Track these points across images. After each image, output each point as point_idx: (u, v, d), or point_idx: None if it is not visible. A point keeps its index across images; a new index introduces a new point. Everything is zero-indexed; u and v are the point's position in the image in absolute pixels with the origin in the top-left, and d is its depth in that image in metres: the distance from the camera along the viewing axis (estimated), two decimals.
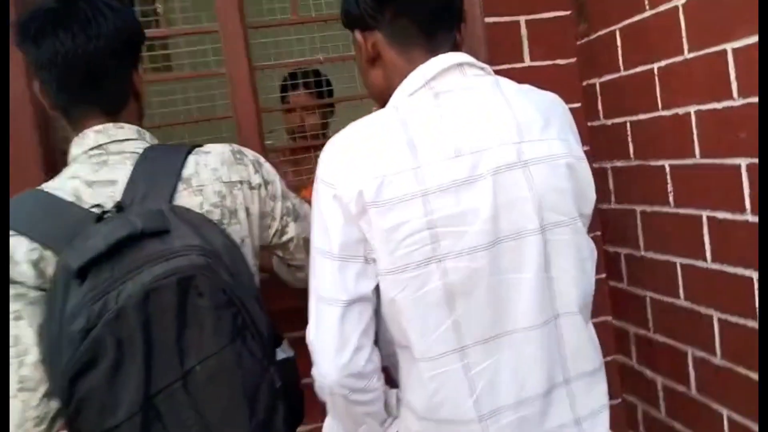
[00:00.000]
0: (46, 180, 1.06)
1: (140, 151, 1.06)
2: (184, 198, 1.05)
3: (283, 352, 1.08)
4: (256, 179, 1.14)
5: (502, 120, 1.01)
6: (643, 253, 1.61)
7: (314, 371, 1.02)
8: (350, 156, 0.98)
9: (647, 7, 1.44)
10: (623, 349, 1.77)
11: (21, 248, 0.96)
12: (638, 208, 1.60)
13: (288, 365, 1.07)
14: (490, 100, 1.02)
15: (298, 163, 1.78)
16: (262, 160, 1.19)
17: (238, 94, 1.56)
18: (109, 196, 1.01)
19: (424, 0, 1.05)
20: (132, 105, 1.12)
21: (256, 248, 1.14)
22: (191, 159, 1.08)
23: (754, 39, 1.16)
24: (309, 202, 1.34)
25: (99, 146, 1.05)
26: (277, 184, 1.18)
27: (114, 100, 1.09)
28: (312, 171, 1.83)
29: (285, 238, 1.20)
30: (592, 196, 1.10)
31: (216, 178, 1.08)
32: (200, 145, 1.13)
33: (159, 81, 1.55)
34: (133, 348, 0.90)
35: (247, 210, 1.11)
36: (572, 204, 1.03)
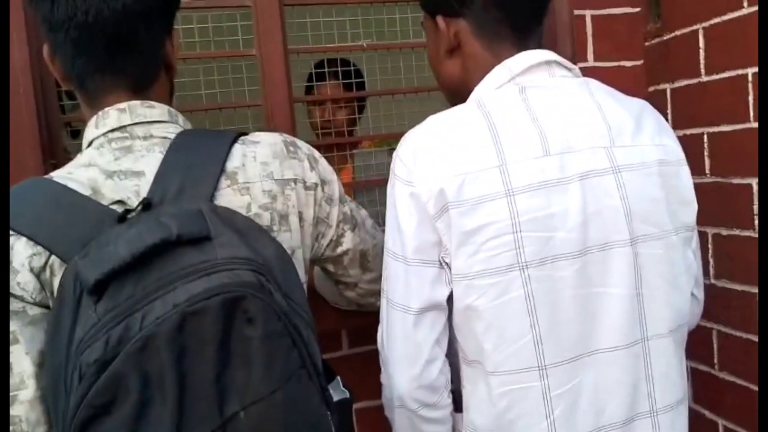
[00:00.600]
0: (46, 169, 0.85)
1: (172, 136, 0.87)
2: (228, 197, 0.86)
3: (337, 392, 0.88)
4: (312, 177, 0.95)
5: (592, 122, 0.94)
6: (712, 281, 1.44)
7: (384, 380, 0.98)
8: (430, 151, 0.91)
9: (745, 3, 1.27)
10: None
11: (21, 252, 0.77)
12: (711, 231, 1.43)
13: (344, 409, 0.88)
14: (579, 100, 0.95)
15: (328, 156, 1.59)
16: (317, 154, 1.00)
17: (269, 80, 1.37)
18: (133, 191, 0.82)
19: None
20: (163, 80, 0.92)
21: (307, 261, 0.96)
22: (237, 149, 0.89)
23: None
24: None
25: (122, 128, 0.86)
26: (335, 185, 1.00)
27: (143, 72, 0.89)
28: (338, 171, 1.66)
29: (339, 250, 1.01)
30: (694, 203, 1.00)
31: (266, 175, 0.89)
32: (246, 133, 0.93)
33: (179, 59, 1.35)
34: (162, 388, 0.69)
35: (300, 214, 0.93)
36: (666, 215, 0.95)
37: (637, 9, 1.55)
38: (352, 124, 1.92)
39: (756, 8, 1.24)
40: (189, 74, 1.35)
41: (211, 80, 1.41)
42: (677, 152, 0.98)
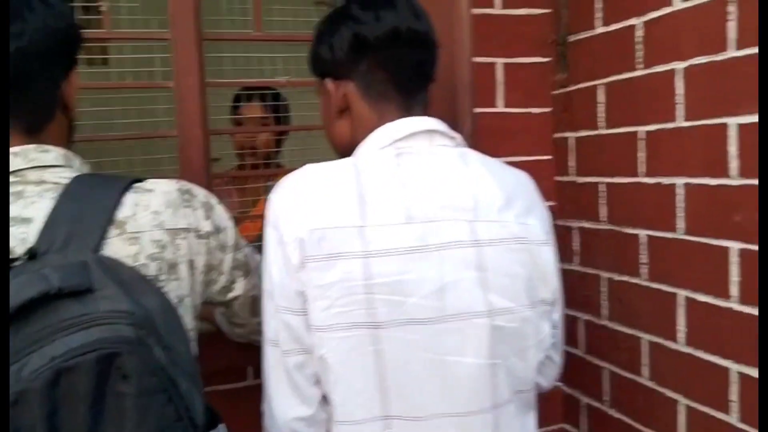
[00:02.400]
0: None
1: (66, 181, 0.86)
2: (116, 246, 0.85)
3: None
4: (205, 226, 0.96)
5: (460, 194, 0.97)
6: (605, 321, 1.52)
7: (264, 409, 0.99)
8: (298, 200, 0.94)
9: (640, 66, 1.36)
10: (571, 418, 1.67)
11: None
12: (604, 274, 1.52)
13: None
14: (452, 171, 0.99)
15: (245, 188, 1.61)
16: (214, 201, 1.01)
17: (184, 111, 1.38)
18: (20, 239, 0.81)
19: (405, 54, 1.01)
20: (59, 121, 0.92)
21: (197, 307, 0.96)
22: (129, 197, 0.89)
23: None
24: (250, 239, 1.18)
25: (15, 172, 0.85)
26: (230, 232, 1.01)
27: (37, 115, 0.89)
28: (259, 194, 1.68)
29: (230, 295, 1.03)
30: (554, 282, 1.04)
31: (157, 224, 0.89)
32: (140, 180, 0.93)
33: (95, 89, 1.35)
34: None
35: (191, 263, 0.93)
36: (523, 291, 0.98)
37: (547, 59, 1.62)
38: (277, 146, 1.94)
39: (650, 70, 1.33)
40: (105, 103, 1.35)
41: (128, 110, 1.41)
42: (540, 233, 1.01)
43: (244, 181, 1.50)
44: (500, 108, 1.60)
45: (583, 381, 1.61)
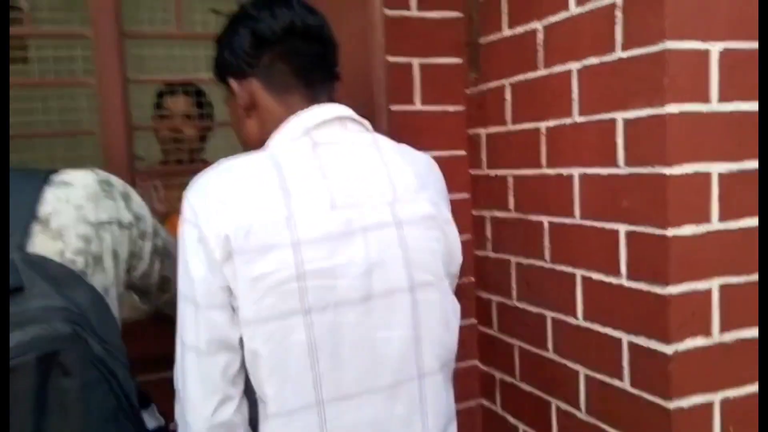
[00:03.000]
0: None
1: None
2: (41, 243, 0.85)
3: (152, 419, 0.94)
4: (126, 216, 0.99)
5: (378, 178, 1.02)
6: (515, 302, 1.64)
7: (178, 418, 0.98)
8: (219, 197, 0.94)
9: (541, 67, 1.48)
10: (488, 394, 1.79)
11: None
12: (514, 259, 1.63)
13: None
14: (368, 157, 1.03)
15: (170, 181, 1.64)
16: (130, 190, 1.04)
17: (106, 108, 1.40)
18: None
19: (302, 46, 1.05)
20: None
21: (120, 295, 0.99)
22: (49, 192, 0.89)
23: (646, 112, 1.21)
24: (174, 234, 1.22)
25: None
26: (148, 220, 1.04)
27: None
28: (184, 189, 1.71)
29: (150, 281, 1.06)
30: (459, 257, 1.12)
31: (80, 218, 0.90)
32: (55, 171, 0.93)
33: (16, 86, 1.35)
34: None
35: (115, 254, 0.95)
36: (441, 265, 1.05)
37: (460, 60, 1.73)
38: (202, 141, 1.96)
39: (550, 70, 1.45)
40: (26, 99, 1.36)
41: (50, 107, 1.42)
42: (447, 213, 1.09)
43: (171, 175, 1.53)
44: (418, 106, 1.69)
45: (497, 358, 1.73)
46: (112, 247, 0.95)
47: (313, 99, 1.05)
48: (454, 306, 1.10)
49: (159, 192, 1.52)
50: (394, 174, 1.03)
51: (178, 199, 1.63)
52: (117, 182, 1.02)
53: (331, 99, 1.08)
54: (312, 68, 1.07)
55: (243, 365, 0.96)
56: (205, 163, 1.86)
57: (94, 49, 1.39)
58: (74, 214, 0.90)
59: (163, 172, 1.48)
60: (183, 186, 1.61)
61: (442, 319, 1.06)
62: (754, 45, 1.23)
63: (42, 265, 0.82)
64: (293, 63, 1.05)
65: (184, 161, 1.65)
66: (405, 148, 1.11)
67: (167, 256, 1.10)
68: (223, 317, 0.93)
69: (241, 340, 0.94)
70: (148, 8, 1.51)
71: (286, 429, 0.95)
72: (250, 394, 0.99)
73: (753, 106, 1.24)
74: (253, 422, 1.00)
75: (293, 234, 0.92)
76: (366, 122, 1.08)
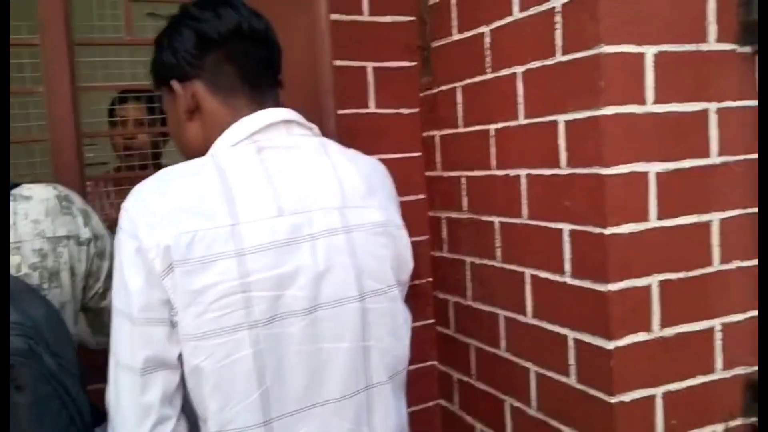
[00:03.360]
0: None
1: None
2: None
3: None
4: (85, 233, 0.99)
5: (326, 183, 0.99)
6: (470, 302, 1.67)
7: None
8: (159, 205, 0.89)
9: (488, 70, 1.50)
10: (446, 394, 1.81)
11: None
12: (468, 259, 1.66)
13: None
14: (315, 161, 1.00)
15: (123, 191, 1.64)
16: (90, 209, 1.03)
17: (56, 116, 1.41)
18: None
19: (249, 48, 1.02)
20: None
21: (76, 312, 0.99)
22: (8, 207, 0.90)
23: (584, 114, 1.24)
24: None
25: None
26: (107, 240, 1.04)
27: None
28: None
29: (104, 303, 1.05)
30: (410, 264, 1.10)
31: (37, 233, 0.91)
32: (17, 185, 0.94)
33: None
34: None
35: (71, 270, 0.96)
36: (390, 272, 1.03)
37: (413, 63, 1.75)
38: (156, 148, 1.97)
39: (497, 74, 1.48)
40: None
41: None
42: (397, 218, 1.07)
43: (123, 183, 1.54)
44: (372, 109, 1.71)
45: (455, 358, 1.75)
46: (69, 263, 0.95)
47: (259, 103, 1.01)
48: (404, 314, 1.08)
49: (111, 198, 1.52)
50: (342, 179, 1.00)
51: None
52: (77, 199, 1.01)
53: (277, 102, 1.05)
54: (258, 72, 1.03)
55: (181, 383, 0.92)
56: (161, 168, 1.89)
57: (43, 57, 1.39)
58: (31, 228, 0.91)
59: (114, 178, 1.49)
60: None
61: (392, 329, 1.03)
62: (689, 47, 1.27)
63: None
64: (239, 65, 1.01)
65: (136, 168, 1.65)
66: (353, 153, 1.08)
67: None
68: (161, 333, 0.88)
69: (180, 357, 0.90)
70: (98, 16, 1.51)
71: None
72: (188, 412, 0.95)
73: (687, 107, 1.27)
74: None
75: (237, 243, 0.88)
76: (313, 126, 1.05)
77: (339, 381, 0.97)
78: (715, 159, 1.31)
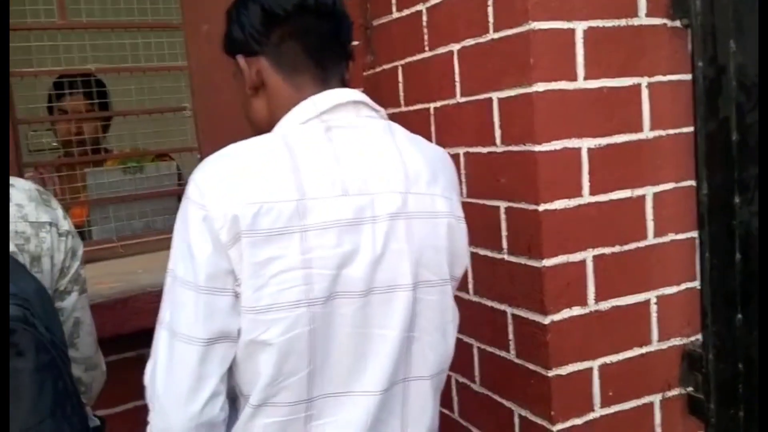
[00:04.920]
0: None
1: None
2: None
3: (90, 419, 0.94)
4: (64, 225, 0.99)
5: (391, 166, 0.96)
6: None
7: (155, 420, 0.90)
8: (227, 177, 0.89)
9: (427, 48, 1.50)
10: None
11: None
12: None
13: None
14: (382, 144, 0.98)
15: (67, 179, 1.62)
16: (64, 212, 1.03)
17: None
18: None
19: (313, 24, 0.99)
20: None
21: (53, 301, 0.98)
22: None
23: (516, 91, 1.25)
24: (77, 224, 1.22)
25: None
26: (80, 244, 1.03)
27: None
28: (84, 181, 1.70)
29: (59, 304, 1.01)
30: (466, 259, 1.08)
31: (21, 216, 0.91)
32: None
33: None
34: None
35: (51, 258, 0.95)
36: (446, 265, 1.00)
37: (356, 42, 1.73)
38: (103, 134, 1.94)
39: (435, 52, 1.47)
40: None
41: None
42: (459, 210, 1.04)
43: (68, 168, 1.52)
44: None
45: None
46: (50, 251, 0.95)
47: (324, 80, 0.99)
48: (453, 311, 1.05)
49: (54, 185, 1.51)
50: (407, 163, 0.97)
51: (77, 191, 1.63)
52: (53, 197, 1.02)
53: (343, 80, 1.03)
54: (324, 47, 1.00)
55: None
56: (108, 153, 1.87)
57: None
58: (15, 211, 0.91)
59: (57, 163, 1.47)
60: (82, 178, 1.61)
61: (439, 323, 1.01)
62: (619, 22, 1.27)
63: None
64: (304, 42, 0.98)
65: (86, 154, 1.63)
66: (418, 139, 1.06)
67: (86, 296, 1.07)
68: (226, 304, 0.88)
69: (238, 331, 0.89)
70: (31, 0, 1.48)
71: (270, 419, 0.91)
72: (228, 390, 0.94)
73: (619, 82, 1.28)
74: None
75: (302, 219, 0.88)
76: (380, 109, 1.03)
77: (381, 369, 0.95)
78: (647, 133, 1.32)
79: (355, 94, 1.00)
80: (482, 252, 1.41)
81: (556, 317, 1.26)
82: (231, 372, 0.92)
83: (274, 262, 0.86)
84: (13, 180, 0.96)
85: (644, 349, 1.35)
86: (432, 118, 1.51)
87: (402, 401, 0.99)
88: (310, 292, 0.88)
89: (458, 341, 1.50)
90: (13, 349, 0.74)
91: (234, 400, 0.95)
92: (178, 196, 1.54)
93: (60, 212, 1.00)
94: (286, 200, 0.88)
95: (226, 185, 0.88)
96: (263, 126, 1.01)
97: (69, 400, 0.81)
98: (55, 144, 1.90)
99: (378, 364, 0.94)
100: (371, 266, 0.92)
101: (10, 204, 0.92)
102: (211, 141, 1.09)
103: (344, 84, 1.03)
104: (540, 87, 1.21)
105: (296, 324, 0.88)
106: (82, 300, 1.06)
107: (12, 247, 0.89)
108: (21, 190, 0.95)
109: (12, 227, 0.90)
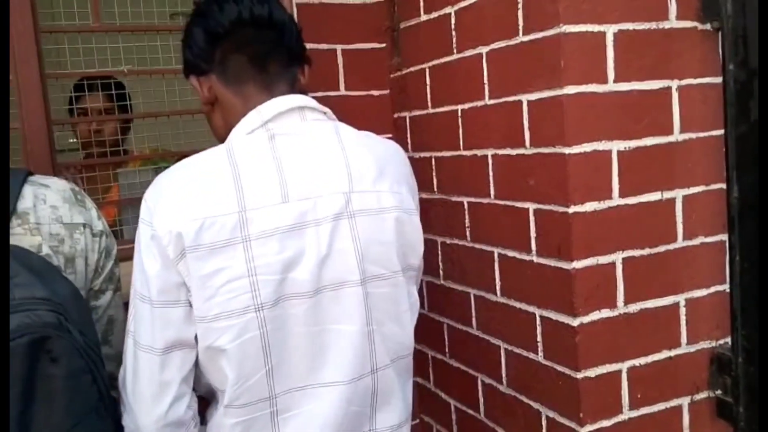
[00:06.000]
0: None
1: None
2: (19, 236, 0.87)
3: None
4: (98, 225, 1.00)
5: (335, 168, 1.01)
6: (442, 281, 1.68)
7: (127, 421, 0.97)
8: (172, 195, 0.94)
9: (455, 51, 1.51)
10: (422, 371, 1.84)
11: None
12: (439, 239, 1.67)
13: None
14: (326, 146, 1.02)
15: (93, 179, 1.65)
16: (99, 212, 1.05)
17: (26, 104, 1.41)
18: None
19: (252, 35, 1.04)
20: None
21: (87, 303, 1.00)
22: (28, 190, 0.91)
23: (547, 94, 1.25)
24: (108, 224, 1.24)
25: None
26: (114, 244, 1.05)
27: None
28: (110, 181, 1.72)
29: (93, 303, 1.03)
30: (421, 248, 1.12)
31: (55, 218, 0.93)
32: (30, 173, 0.95)
33: None
34: None
35: (86, 259, 0.96)
36: (395, 258, 1.04)
37: (383, 45, 1.75)
38: (124, 134, 1.97)
39: (463, 54, 1.48)
40: None
41: None
42: (410, 202, 1.08)
43: (93, 170, 1.55)
44: (342, 91, 1.71)
45: (429, 337, 1.77)
46: (84, 252, 0.96)
47: (269, 87, 1.05)
48: (410, 300, 1.09)
49: (81, 186, 1.53)
50: (352, 163, 1.02)
51: (104, 192, 1.65)
52: (87, 197, 1.04)
53: (293, 85, 1.08)
54: (266, 56, 1.05)
55: (196, 362, 0.98)
56: (128, 155, 1.90)
57: (11, 44, 1.39)
58: (50, 212, 0.93)
59: (85, 164, 1.49)
60: (107, 179, 1.63)
61: (394, 314, 1.05)
62: (649, 25, 1.27)
63: (25, 256, 0.84)
64: (245, 53, 1.04)
65: (107, 155, 1.66)
66: (366, 136, 1.10)
67: (119, 293, 1.08)
68: (179, 314, 0.94)
69: (195, 337, 0.95)
70: (65, 2, 1.51)
71: (237, 419, 0.96)
72: (204, 390, 1.02)
73: (649, 85, 1.28)
74: (201, 416, 1.02)
75: (244, 230, 0.92)
76: (327, 110, 1.07)
77: (345, 363, 1.00)
78: (678, 136, 1.32)
79: (300, 99, 1.04)
80: (510, 253, 1.41)
81: (585, 319, 1.26)
82: (202, 374, 0.99)
83: (220, 273, 0.92)
84: (49, 180, 0.97)
85: (673, 352, 1.35)
86: (459, 120, 1.52)
87: (372, 391, 1.04)
88: (257, 298, 0.93)
89: (486, 342, 1.52)
90: (47, 356, 0.76)
91: (213, 398, 1.02)
92: None
93: (94, 212, 1.02)
94: (228, 213, 0.92)
95: (170, 203, 0.93)
96: (224, 137, 1.05)
97: (102, 402, 0.84)
98: (72, 141, 1.93)
99: (339, 357, 0.99)
100: (317, 267, 0.96)
101: (45, 205, 0.94)
102: None
103: (295, 88, 1.08)
104: (570, 90, 1.22)
105: (246, 329, 0.93)
106: (116, 299, 1.08)
107: (46, 249, 0.91)
108: (56, 192, 0.96)
109: (46, 229, 0.92)
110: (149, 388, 0.94)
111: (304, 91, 1.09)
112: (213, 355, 0.95)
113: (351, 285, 0.99)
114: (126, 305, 1.06)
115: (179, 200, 0.93)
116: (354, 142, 1.05)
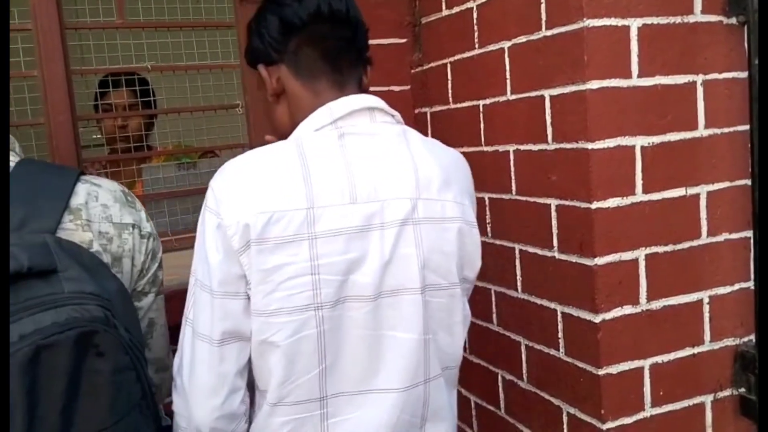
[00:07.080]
0: None
1: (11, 165, 0.88)
2: (71, 232, 0.87)
3: (162, 418, 0.96)
4: (147, 227, 1.00)
5: (402, 173, 0.99)
6: None
7: (179, 407, 0.97)
8: (241, 185, 0.93)
9: (477, 46, 1.50)
10: None
11: None
12: None
13: None
14: (395, 150, 1.00)
15: (117, 175, 1.67)
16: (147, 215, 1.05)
17: (51, 100, 1.43)
18: None
19: (328, 31, 1.03)
20: None
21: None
22: (81, 187, 0.92)
23: (570, 89, 1.25)
24: None
25: None
26: (160, 247, 1.05)
27: None
28: (134, 177, 1.74)
29: (137, 304, 1.02)
30: (478, 263, 1.10)
31: (105, 217, 0.93)
32: (82, 173, 0.96)
33: None
34: (12, 417, 0.70)
35: (132, 259, 0.97)
36: (455, 268, 1.03)
37: (404, 40, 1.75)
38: (148, 130, 1.99)
39: (485, 49, 1.48)
40: None
41: None
42: (471, 215, 1.06)
43: (117, 165, 1.57)
44: None
45: None
46: (132, 252, 0.97)
47: (341, 84, 1.03)
48: (463, 313, 1.07)
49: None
50: (420, 169, 1.00)
51: (129, 187, 1.67)
52: (137, 199, 1.04)
53: (361, 85, 1.08)
54: (339, 53, 1.04)
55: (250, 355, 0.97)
56: (152, 150, 1.92)
57: (36, 41, 1.41)
58: (100, 211, 0.93)
59: (110, 159, 1.51)
60: (131, 175, 1.65)
61: (447, 324, 1.04)
62: (674, 19, 1.26)
63: (75, 251, 0.84)
64: (320, 48, 1.02)
65: (132, 151, 1.68)
66: (433, 143, 1.09)
67: (161, 298, 1.08)
68: (238, 306, 0.93)
69: (251, 331, 0.94)
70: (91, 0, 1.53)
71: (285, 418, 0.95)
72: (249, 384, 1.00)
73: (673, 79, 1.27)
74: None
75: (311, 227, 0.92)
76: (396, 113, 1.06)
77: (400, 370, 0.98)
78: (702, 131, 1.31)
79: (371, 99, 1.02)
80: (531, 250, 1.41)
81: (608, 316, 1.26)
82: (249, 368, 0.97)
83: (283, 269, 0.91)
84: (99, 180, 0.98)
85: (696, 349, 1.34)
86: (481, 116, 1.52)
87: (424, 401, 1.02)
88: (318, 297, 0.92)
89: (506, 338, 1.52)
90: (93, 350, 0.76)
91: (253, 394, 1.00)
92: None
93: (143, 214, 1.02)
94: (296, 209, 0.91)
95: (239, 194, 0.92)
96: (286, 131, 1.04)
97: (145, 400, 0.84)
98: (97, 136, 1.95)
99: (394, 364, 0.98)
100: (380, 271, 0.95)
101: (96, 203, 0.94)
102: (261, 137, 1.13)
103: (362, 89, 1.06)
104: (594, 84, 1.21)
105: (304, 327, 0.92)
106: (158, 302, 1.07)
107: (96, 247, 0.91)
108: (107, 191, 0.96)
109: (96, 227, 0.92)
110: (208, 379, 0.94)
111: (368, 92, 1.08)
112: (265, 350, 0.94)
113: (410, 292, 0.98)
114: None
115: (248, 192, 0.92)
116: (421, 147, 1.03)
